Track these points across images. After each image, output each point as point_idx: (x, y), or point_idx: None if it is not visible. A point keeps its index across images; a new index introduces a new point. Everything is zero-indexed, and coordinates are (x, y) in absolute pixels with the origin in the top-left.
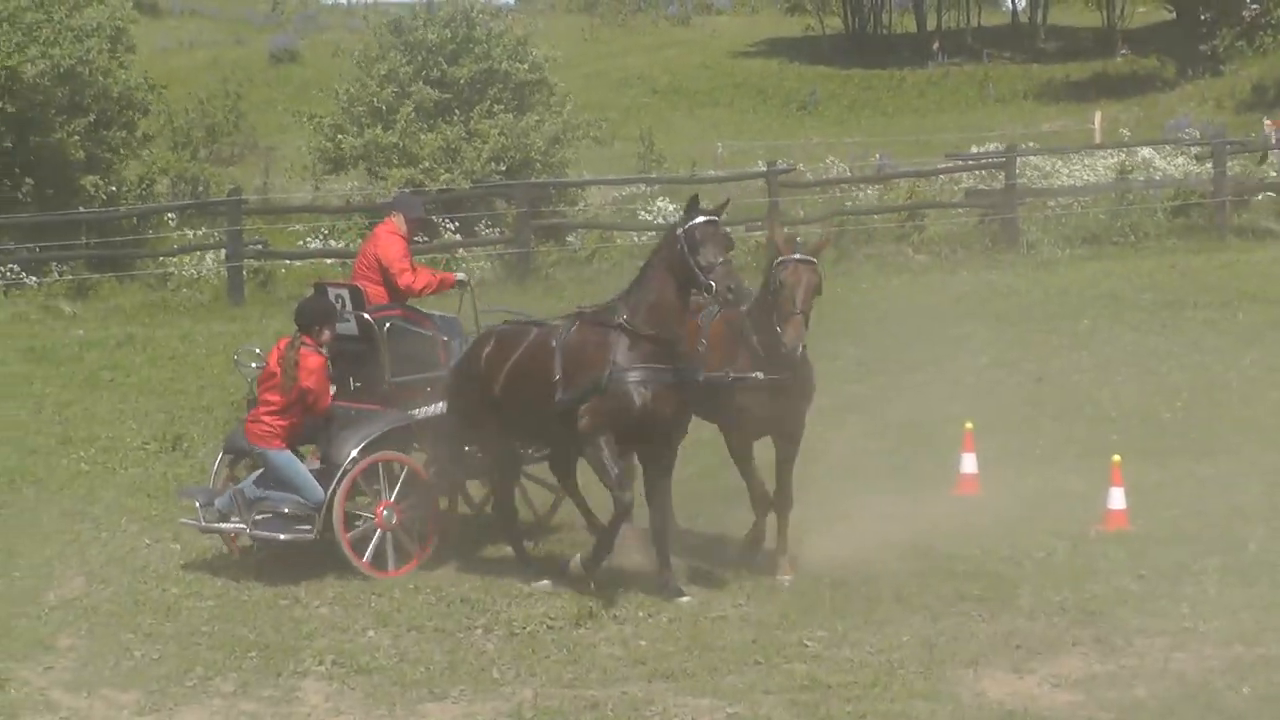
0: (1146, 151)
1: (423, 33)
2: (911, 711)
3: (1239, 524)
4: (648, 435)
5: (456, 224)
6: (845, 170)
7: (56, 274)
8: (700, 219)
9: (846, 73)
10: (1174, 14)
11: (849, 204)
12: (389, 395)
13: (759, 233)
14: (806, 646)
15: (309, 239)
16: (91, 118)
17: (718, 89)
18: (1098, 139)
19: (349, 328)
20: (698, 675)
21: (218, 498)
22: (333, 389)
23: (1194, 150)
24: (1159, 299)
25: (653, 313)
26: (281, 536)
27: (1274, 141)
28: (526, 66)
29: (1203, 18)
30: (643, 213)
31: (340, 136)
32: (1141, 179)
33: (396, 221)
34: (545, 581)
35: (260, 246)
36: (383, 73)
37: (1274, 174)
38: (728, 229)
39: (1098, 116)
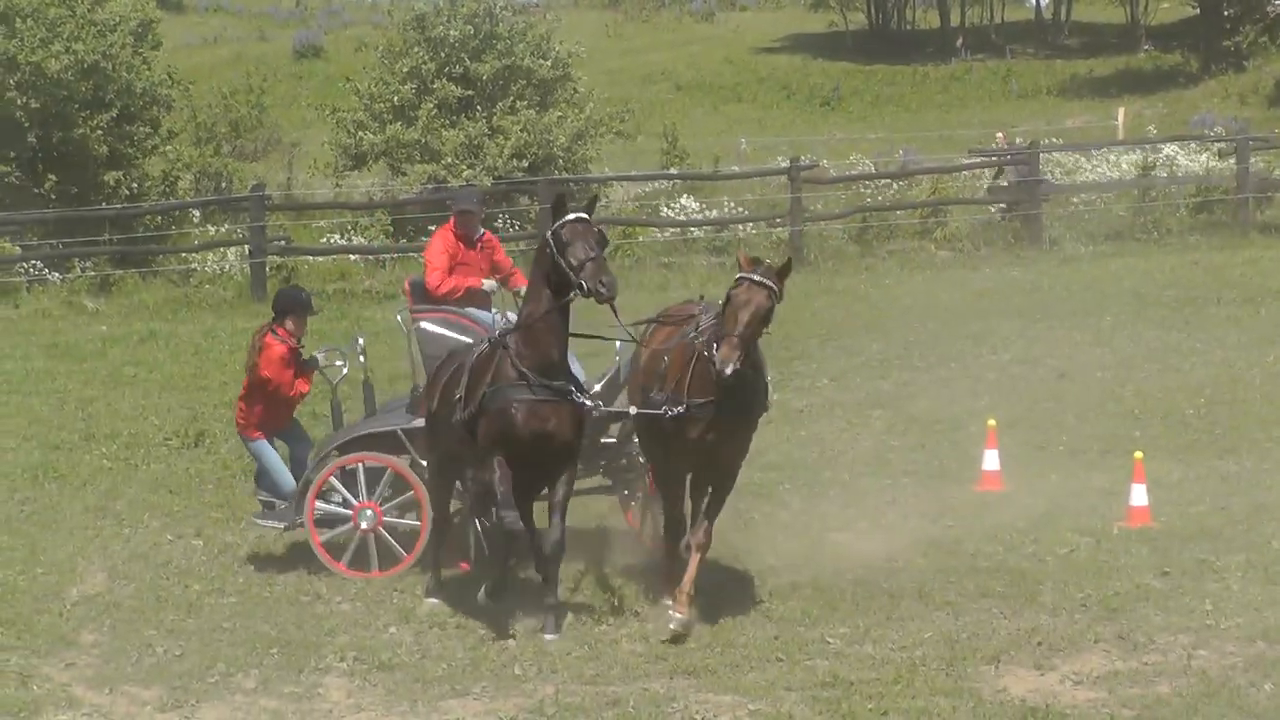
0: (1171, 148)
1: (446, 28)
2: (933, 708)
3: (1262, 521)
4: (539, 456)
5: None
6: (868, 166)
7: (80, 270)
8: (569, 218)
9: (870, 68)
10: (1197, 10)
11: (872, 200)
12: (413, 401)
13: (780, 229)
14: (828, 643)
15: (332, 235)
16: (115, 113)
17: (741, 85)
18: (1121, 135)
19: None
20: (719, 672)
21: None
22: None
23: (1217, 146)
24: (1182, 295)
25: (526, 331)
26: (261, 523)
27: None
28: (549, 63)
29: (1226, 13)
30: (666, 209)
31: (361, 133)
32: (1164, 175)
33: (455, 218)
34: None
35: (283, 242)
36: (405, 69)
37: None
38: (600, 226)
39: (1121, 112)
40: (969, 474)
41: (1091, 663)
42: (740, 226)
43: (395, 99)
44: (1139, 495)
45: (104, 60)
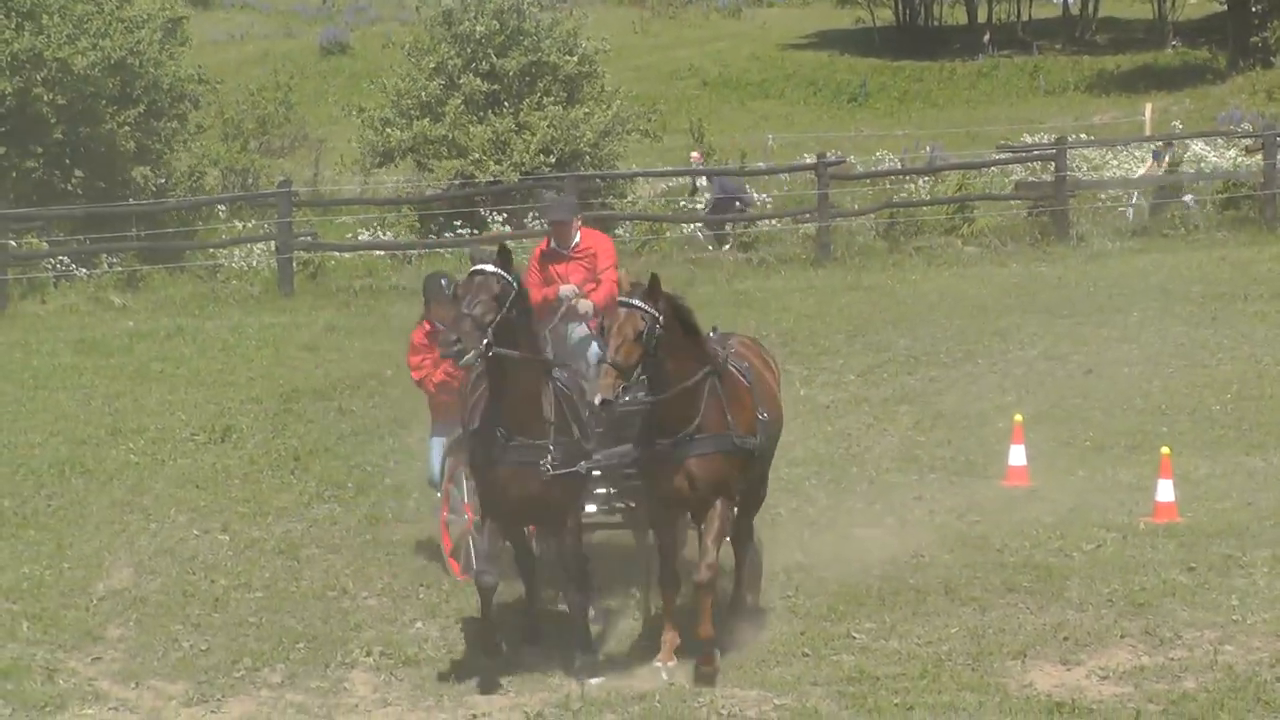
0: (1199, 145)
1: (472, 24)
2: (959, 703)
3: None
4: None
5: (505, 216)
6: (895, 162)
7: (106, 266)
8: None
9: (897, 64)
10: (1225, 6)
11: (899, 196)
12: None
13: (808, 225)
14: (854, 638)
15: (359, 231)
16: (142, 109)
17: (768, 81)
18: (1148, 131)
19: None
20: (745, 667)
21: None
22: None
23: (1245, 142)
24: (1209, 291)
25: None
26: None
27: None
28: (576, 59)
29: (1254, 9)
30: (687, 203)
31: (388, 130)
32: (1191, 171)
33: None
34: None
35: (310, 238)
36: (432, 65)
37: None
38: (501, 275)
39: (1148, 108)
40: (996, 469)
41: (1118, 658)
42: (767, 222)
43: (422, 95)
44: (1165, 491)
45: (131, 56)
